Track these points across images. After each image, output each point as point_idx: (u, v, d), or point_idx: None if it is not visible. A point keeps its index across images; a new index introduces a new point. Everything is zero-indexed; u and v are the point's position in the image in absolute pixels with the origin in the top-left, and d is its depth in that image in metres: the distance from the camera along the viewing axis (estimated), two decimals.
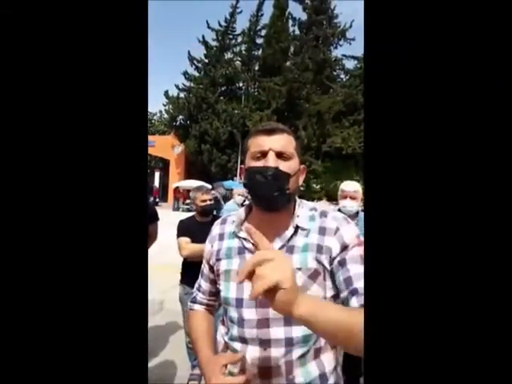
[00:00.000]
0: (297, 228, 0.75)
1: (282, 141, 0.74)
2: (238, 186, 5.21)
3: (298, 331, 0.71)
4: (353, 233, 0.74)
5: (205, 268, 0.90)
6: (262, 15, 21.16)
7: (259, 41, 21.66)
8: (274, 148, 0.72)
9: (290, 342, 0.71)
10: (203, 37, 21.41)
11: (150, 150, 18.25)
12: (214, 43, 21.80)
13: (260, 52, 21.58)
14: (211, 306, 0.93)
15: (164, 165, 21.88)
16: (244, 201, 3.45)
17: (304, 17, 21.41)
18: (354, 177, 15.61)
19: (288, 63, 20.44)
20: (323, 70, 20.60)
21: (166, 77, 38.12)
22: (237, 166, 18.77)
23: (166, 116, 25.05)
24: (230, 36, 22.04)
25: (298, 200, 0.81)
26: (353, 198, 2.06)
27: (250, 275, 0.51)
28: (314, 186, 19.34)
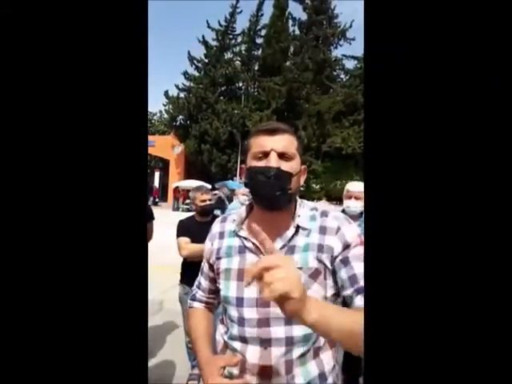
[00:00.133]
0: (298, 228, 0.75)
1: (284, 141, 0.73)
2: (239, 186, 5.22)
3: (299, 330, 0.71)
4: (354, 232, 0.74)
5: (205, 266, 0.90)
6: (261, 15, 21.23)
7: (259, 41, 21.72)
8: (276, 148, 0.72)
9: (290, 341, 0.71)
10: (203, 37, 21.49)
11: (150, 150, 18.26)
12: (214, 43, 21.85)
13: (260, 52, 21.60)
14: (211, 304, 0.93)
15: (164, 165, 21.88)
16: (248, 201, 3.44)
17: (304, 17, 21.51)
18: (354, 177, 15.62)
19: (288, 63, 20.45)
20: (323, 70, 20.61)
21: (166, 77, 38.26)
22: (237, 166, 18.78)
23: (165, 116, 25.08)
24: (230, 36, 22.04)
25: (299, 200, 0.81)
26: (358, 199, 2.06)
27: (257, 276, 0.51)
28: (314, 186, 19.35)
